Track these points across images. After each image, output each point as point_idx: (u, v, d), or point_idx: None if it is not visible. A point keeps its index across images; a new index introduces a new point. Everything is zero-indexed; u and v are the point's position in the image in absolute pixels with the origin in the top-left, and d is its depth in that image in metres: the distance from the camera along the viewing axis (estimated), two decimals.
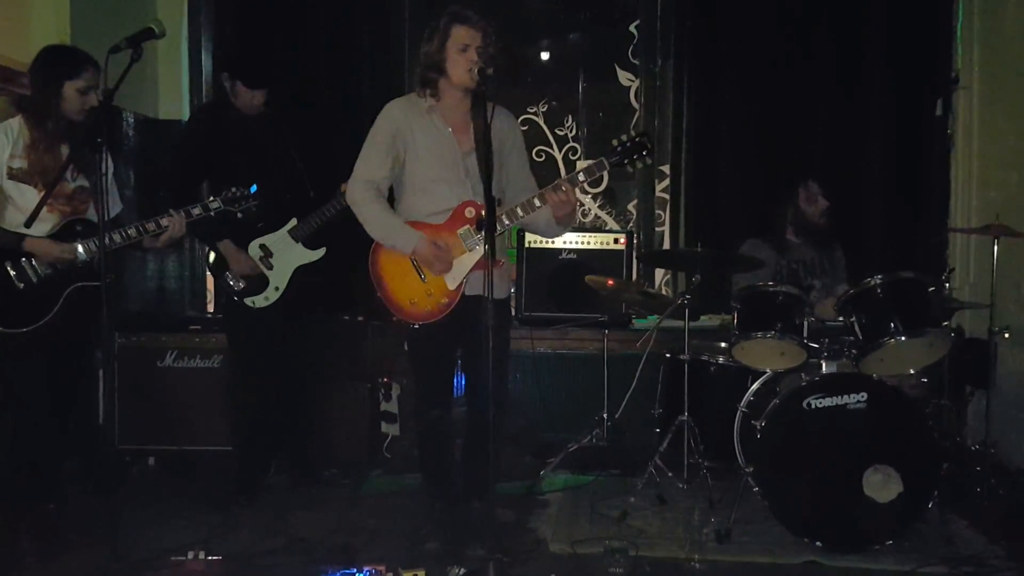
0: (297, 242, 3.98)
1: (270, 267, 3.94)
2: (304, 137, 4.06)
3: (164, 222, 3.38)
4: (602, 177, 5.51)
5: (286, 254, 3.97)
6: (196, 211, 3.46)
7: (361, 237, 3.31)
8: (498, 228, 3.08)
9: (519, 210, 3.17)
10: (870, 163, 5.19)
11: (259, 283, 3.93)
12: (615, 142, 3.13)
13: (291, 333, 4.03)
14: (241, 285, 3.90)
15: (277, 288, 3.94)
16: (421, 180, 3.28)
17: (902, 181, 5.13)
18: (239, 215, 3.55)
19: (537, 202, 3.16)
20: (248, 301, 3.92)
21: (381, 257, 3.29)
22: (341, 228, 3.84)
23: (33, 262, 3.25)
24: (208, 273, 5.20)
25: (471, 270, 3.22)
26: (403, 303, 3.25)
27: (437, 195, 3.25)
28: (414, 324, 3.27)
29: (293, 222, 3.98)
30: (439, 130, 3.27)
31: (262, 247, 3.94)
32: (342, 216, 3.80)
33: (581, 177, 3.21)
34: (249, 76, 3.89)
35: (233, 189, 3.52)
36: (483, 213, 2.97)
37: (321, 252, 4.02)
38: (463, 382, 3.71)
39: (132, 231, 3.33)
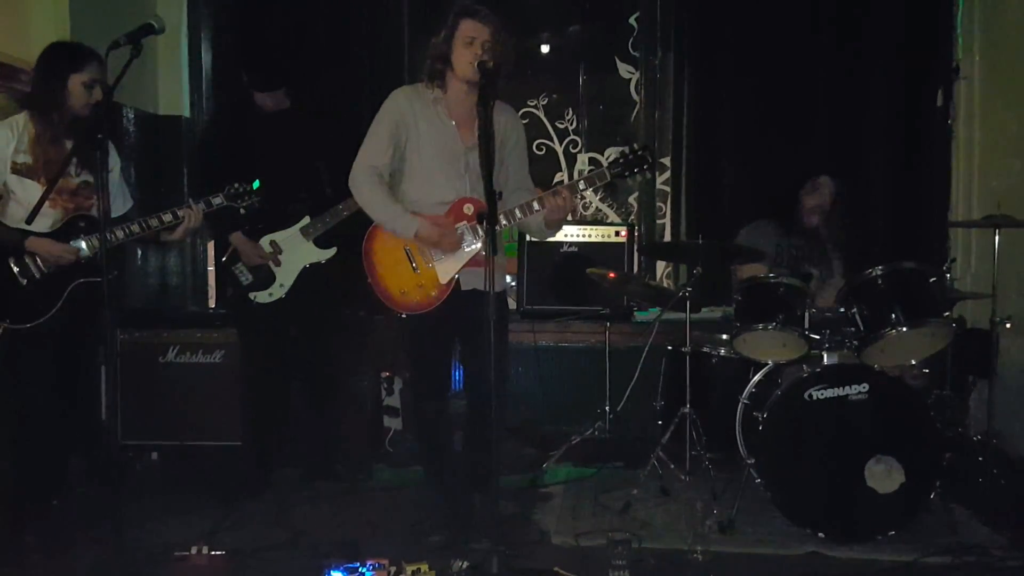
0: (308, 240, 3.97)
1: (278, 264, 3.94)
2: (325, 136, 4.06)
3: (181, 213, 3.37)
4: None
5: (296, 252, 3.96)
6: (200, 206, 3.45)
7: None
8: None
9: (517, 211, 3.17)
10: (871, 153, 5.19)
11: (265, 278, 3.93)
12: (617, 154, 3.15)
13: (299, 329, 4.03)
14: (249, 279, 3.90)
15: (282, 285, 3.94)
16: (420, 171, 3.27)
17: (903, 171, 5.13)
18: (241, 211, 3.53)
19: (536, 205, 3.16)
20: (251, 295, 3.92)
21: (375, 245, 3.29)
22: (351, 227, 3.86)
23: (36, 258, 3.25)
24: (212, 268, 5.23)
25: (464, 266, 3.22)
26: (394, 292, 3.26)
27: (435, 187, 3.25)
28: (402, 314, 3.28)
29: (306, 220, 3.96)
30: (443, 122, 3.26)
31: (272, 243, 3.94)
32: (355, 217, 3.82)
33: (581, 185, 3.24)
34: (258, 80, 3.90)
35: (236, 185, 3.50)
36: (483, 209, 2.97)
37: (331, 252, 4.00)
38: (461, 375, 3.71)
39: (135, 227, 3.33)
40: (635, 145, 3.18)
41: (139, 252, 5.06)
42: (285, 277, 3.95)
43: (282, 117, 3.96)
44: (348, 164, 3.42)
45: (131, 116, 5.03)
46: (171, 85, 5.37)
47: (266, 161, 3.79)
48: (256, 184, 3.52)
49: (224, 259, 3.99)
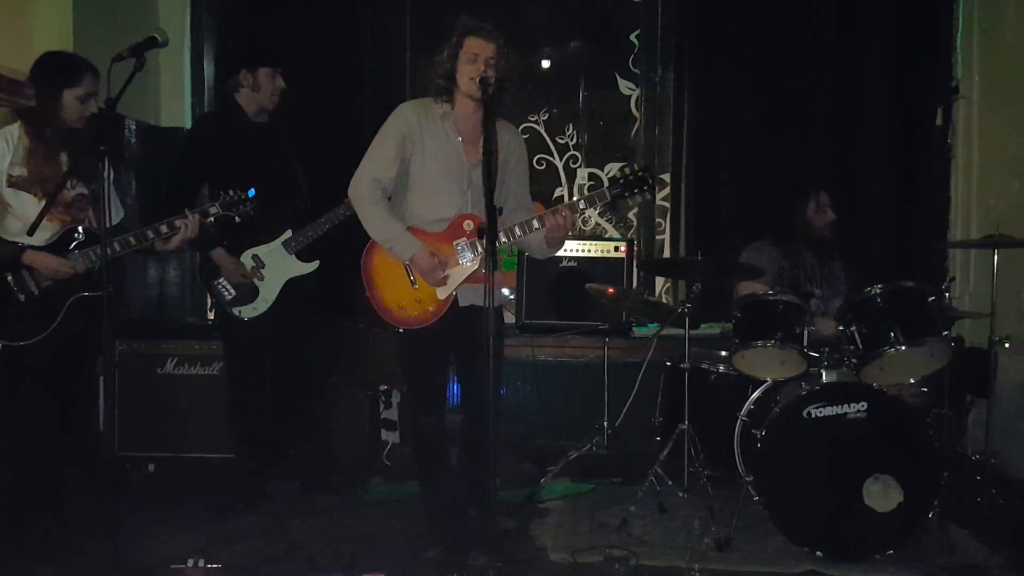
0: (290, 254, 3.96)
1: (261, 278, 3.92)
2: (306, 148, 4.06)
3: (178, 223, 3.35)
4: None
5: (278, 266, 3.93)
6: (196, 216, 3.41)
7: (358, 247, 3.32)
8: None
9: (517, 229, 3.17)
10: (870, 172, 5.21)
11: (249, 293, 3.91)
12: (618, 174, 3.16)
13: (285, 342, 4.01)
14: (232, 294, 3.90)
15: (266, 300, 3.91)
16: (422, 185, 3.27)
17: (902, 190, 5.15)
18: (236, 219, 3.49)
19: (536, 224, 3.16)
20: (235, 311, 3.90)
21: (375, 259, 3.29)
22: (338, 238, 3.86)
23: (33, 274, 3.22)
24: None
25: (462, 283, 3.23)
26: (391, 306, 3.26)
27: (436, 202, 3.25)
28: (399, 328, 3.28)
29: (288, 234, 3.95)
30: (449, 137, 3.27)
31: (254, 257, 3.91)
32: (338, 229, 3.83)
33: (582, 205, 3.24)
34: (270, 56, 3.90)
35: (231, 192, 3.45)
36: (482, 225, 2.98)
37: (314, 265, 3.98)
38: (458, 390, 3.70)
39: (132, 239, 3.31)
40: (635, 165, 3.17)
41: (138, 264, 5.06)
42: (268, 292, 3.92)
43: (262, 129, 3.95)
44: (327, 177, 3.42)
45: (133, 127, 5.04)
46: (173, 96, 5.39)
47: (246, 173, 3.75)
48: (252, 192, 3.49)
49: (203, 276, 3.98)
